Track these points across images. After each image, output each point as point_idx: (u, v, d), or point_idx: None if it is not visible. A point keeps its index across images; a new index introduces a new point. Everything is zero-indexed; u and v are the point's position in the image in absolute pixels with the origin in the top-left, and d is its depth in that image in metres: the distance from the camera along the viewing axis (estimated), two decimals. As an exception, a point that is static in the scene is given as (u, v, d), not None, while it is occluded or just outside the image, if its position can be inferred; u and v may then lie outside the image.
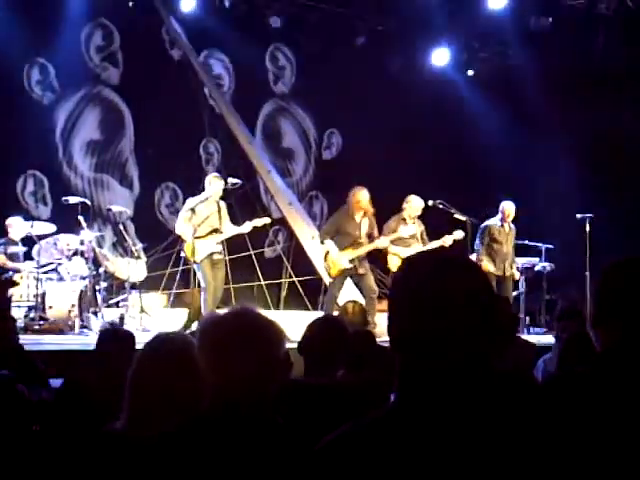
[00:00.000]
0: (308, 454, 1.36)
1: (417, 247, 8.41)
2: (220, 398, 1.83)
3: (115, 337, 4.03)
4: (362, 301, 7.60)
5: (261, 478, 1.76)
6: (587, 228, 9.14)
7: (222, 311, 1.96)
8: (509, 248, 9.04)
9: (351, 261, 8.12)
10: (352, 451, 1.27)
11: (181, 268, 9.42)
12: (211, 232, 8.02)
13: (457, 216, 8.80)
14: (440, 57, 12.14)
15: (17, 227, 8.72)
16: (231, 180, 8.19)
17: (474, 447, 1.24)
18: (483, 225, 9.08)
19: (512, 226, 9.14)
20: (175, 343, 2.31)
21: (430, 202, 8.77)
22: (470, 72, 12.39)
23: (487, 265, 8.76)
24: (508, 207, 9.02)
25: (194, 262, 7.88)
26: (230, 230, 8.14)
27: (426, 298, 1.32)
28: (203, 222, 7.96)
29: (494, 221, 9.08)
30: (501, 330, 1.38)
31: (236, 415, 1.81)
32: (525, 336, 7.64)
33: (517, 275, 9.19)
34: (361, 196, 8.17)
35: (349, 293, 8.52)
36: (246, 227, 8.21)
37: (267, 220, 8.45)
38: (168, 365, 2.23)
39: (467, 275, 1.36)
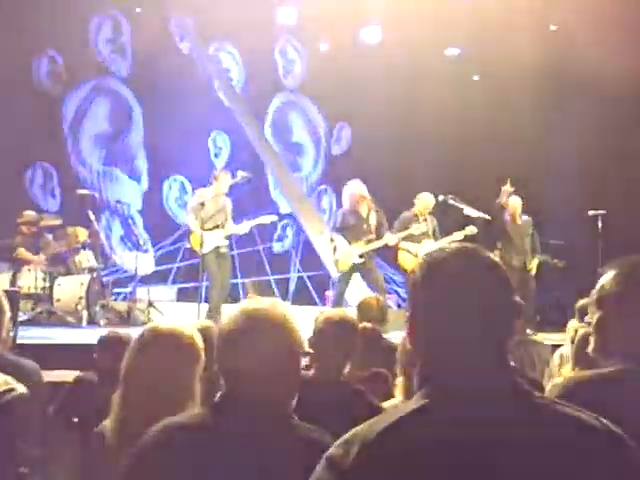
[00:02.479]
0: (321, 451, 1.32)
1: (428, 243, 8.36)
2: (235, 394, 1.81)
3: (113, 343, 3.99)
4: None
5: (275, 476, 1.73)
6: (599, 225, 9.08)
7: (252, 304, 1.93)
8: (520, 242, 9.00)
9: (361, 256, 8.07)
10: (372, 447, 1.24)
11: (189, 262, 9.38)
12: (217, 227, 7.99)
13: (468, 212, 8.73)
14: (450, 51, 12.08)
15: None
16: (240, 173, 8.14)
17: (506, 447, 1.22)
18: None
19: (525, 219, 9.08)
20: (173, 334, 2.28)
21: (440, 197, 8.70)
22: (476, 77, 12.31)
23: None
24: (512, 203, 8.98)
25: (201, 255, 7.85)
26: (231, 228, 8.10)
27: (452, 298, 1.31)
28: (210, 217, 7.93)
29: (506, 215, 9.02)
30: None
31: (247, 409, 1.79)
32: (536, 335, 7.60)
33: (534, 270, 9.13)
34: (354, 188, 8.14)
35: (357, 288, 8.48)
36: (245, 227, 8.18)
37: (265, 220, 8.35)
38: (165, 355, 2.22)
39: (493, 273, 1.35)
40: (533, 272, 9.08)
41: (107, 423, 2.34)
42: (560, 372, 4.06)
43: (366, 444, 1.23)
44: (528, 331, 7.80)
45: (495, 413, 1.24)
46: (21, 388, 2.41)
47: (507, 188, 8.93)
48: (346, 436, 1.28)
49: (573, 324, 4.75)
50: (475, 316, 1.30)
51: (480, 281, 1.33)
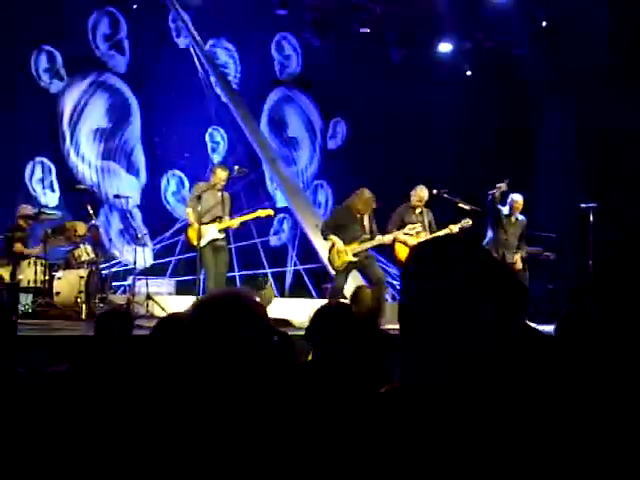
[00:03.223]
0: (318, 434, 1.36)
1: (425, 236, 8.48)
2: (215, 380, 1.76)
3: (114, 317, 4.11)
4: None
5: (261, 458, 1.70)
6: (590, 218, 9.19)
7: (213, 294, 1.93)
8: (512, 239, 9.06)
9: (355, 254, 8.18)
10: (369, 433, 1.27)
11: (187, 255, 9.48)
12: (214, 220, 8.10)
13: (461, 205, 8.84)
14: (445, 46, 12.16)
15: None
16: (237, 168, 8.25)
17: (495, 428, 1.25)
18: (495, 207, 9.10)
19: (520, 218, 9.15)
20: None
21: (434, 191, 8.80)
22: (468, 73, 12.39)
23: None
24: (517, 199, 9.05)
25: (199, 248, 7.96)
26: (225, 221, 8.19)
27: (444, 284, 1.31)
28: (208, 211, 8.04)
29: (504, 210, 9.10)
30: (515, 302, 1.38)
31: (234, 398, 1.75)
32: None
33: (519, 265, 9.17)
34: (370, 201, 8.20)
35: (355, 282, 8.59)
36: (235, 222, 8.28)
37: (262, 214, 8.44)
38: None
39: (482, 259, 1.36)
40: (519, 266, 9.07)
41: None
42: None
43: (359, 429, 1.29)
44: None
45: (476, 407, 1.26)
46: None
47: (503, 185, 8.98)
48: (341, 417, 1.35)
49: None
50: (465, 302, 1.29)
51: (471, 268, 1.32)
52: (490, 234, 9.07)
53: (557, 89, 11.52)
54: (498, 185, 8.93)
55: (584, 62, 10.63)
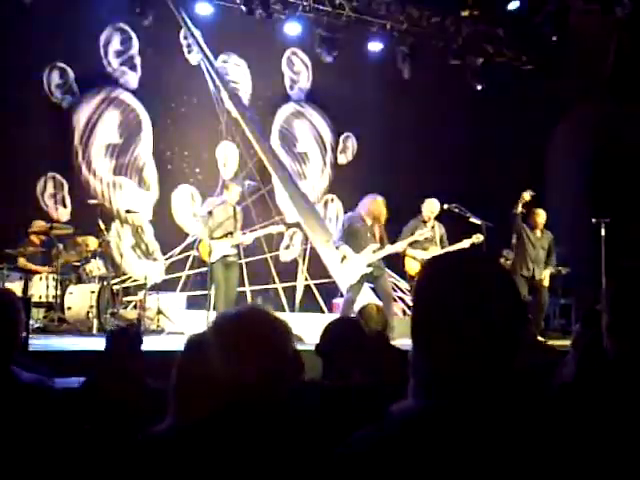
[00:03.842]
0: (327, 455, 1.34)
1: (435, 250, 8.46)
2: (233, 398, 1.82)
3: (123, 336, 4.12)
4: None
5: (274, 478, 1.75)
6: (602, 232, 9.13)
7: (232, 311, 1.96)
8: (541, 253, 9.04)
9: (369, 265, 8.16)
10: (381, 452, 1.25)
11: (198, 270, 9.49)
12: (225, 235, 8.11)
13: (473, 220, 8.83)
14: (454, 59, 12.17)
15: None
16: (248, 182, 8.28)
17: (505, 452, 1.23)
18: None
19: (545, 232, 9.14)
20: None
21: (445, 206, 8.80)
22: (479, 87, 12.38)
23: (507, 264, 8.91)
24: (539, 213, 9.04)
25: (210, 263, 7.97)
26: (237, 238, 8.19)
27: (458, 299, 1.30)
28: (219, 226, 8.05)
29: (525, 225, 9.12)
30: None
31: (248, 414, 1.80)
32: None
33: (547, 282, 9.11)
34: (383, 206, 8.21)
35: (366, 297, 8.57)
36: (250, 238, 8.30)
37: (273, 230, 8.46)
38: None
39: (497, 275, 1.34)
40: (546, 283, 9.07)
41: None
42: None
43: (374, 444, 1.26)
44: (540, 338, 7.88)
45: (488, 418, 1.25)
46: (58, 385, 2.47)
47: (526, 195, 8.91)
48: (356, 434, 1.31)
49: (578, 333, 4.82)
50: (479, 318, 1.28)
51: (485, 284, 1.31)
52: (517, 250, 9.06)
53: (569, 103, 11.51)
54: (522, 196, 8.89)
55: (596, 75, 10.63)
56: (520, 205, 8.87)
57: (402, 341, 7.42)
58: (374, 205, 8.20)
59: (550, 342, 7.88)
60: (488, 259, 1.39)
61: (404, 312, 10.38)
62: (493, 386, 1.28)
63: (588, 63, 10.89)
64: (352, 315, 7.06)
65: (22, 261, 8.66)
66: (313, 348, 3.45)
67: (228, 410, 1.83)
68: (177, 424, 2.07)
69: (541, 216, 9.04)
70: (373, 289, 8.67)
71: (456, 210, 8.84)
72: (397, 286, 10.62)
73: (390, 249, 8.29)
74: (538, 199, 9.20)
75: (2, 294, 2.57)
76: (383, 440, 1.27)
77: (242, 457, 1.75)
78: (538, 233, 9.08)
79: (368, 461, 1.25)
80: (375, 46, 11.82)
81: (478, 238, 8.56)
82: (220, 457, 1.75)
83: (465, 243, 8.48)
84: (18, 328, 2.45)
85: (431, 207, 8.70)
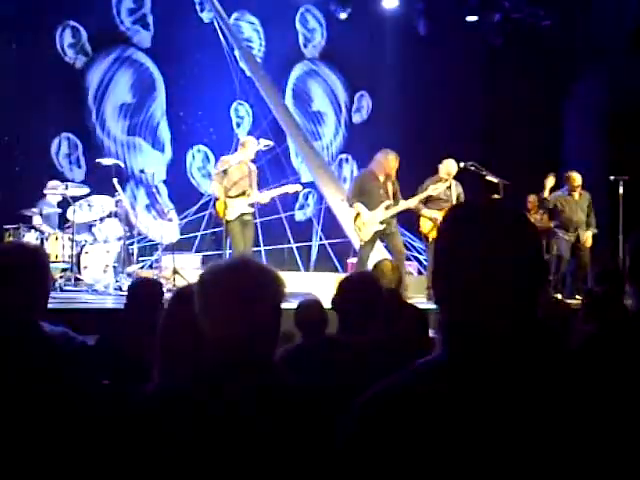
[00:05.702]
0: (344, 410, 1.32)
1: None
2: (218, 354, 1.76)
3: (145, 285, 4.15)
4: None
5: (275, 439, 1.68)
6: (620, 190, 9.06)
7: (221, 263, 1.86)
8: (581, 215, 9.17)
9: (382, 222, 8.14)
10: (400, 402, 1.24)
11: (213, 230, 9.48)
12: (241, 194, 8.08)
13: (489, 178, 8.74)
14: (470, 15, 11.98)
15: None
16: (263, 142, 8.22)
17: (526, 404, 1.21)
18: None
19: (584, 194, 9.24)
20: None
21: (461, 164, 8.70)
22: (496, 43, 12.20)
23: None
24: (575, 177, 9.16)
25: (225, 222, 7.95)
26: (254, 196, 8.17)
27: (480, 251, 1.26)
28: (234, 184, 8.02)
29: (560, 192, 9.31)
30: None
31: (235, 373, 1.74)
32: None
33: (589, 243, 9.19)
34: (394, 161, 8.19)
35: (379, 254, 8.56)
36: (266, 196, 8.27)
37: (290, 189, 8.43)
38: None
39: (516, 228, 1.31)
40: (588, 244, 9.19)
41: None
42: None
43: (391, 399, 1.25)
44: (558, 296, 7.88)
45: (510, 370, 1.23)
46: (81, 339, 2.50)
47: (549, 181, 9.43)
48: (372, 390, 1.29)
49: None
50: (498, 270, 1.25)
51: (507, 233, 1.28)
52: (558, 217, 9.24)
53: (588, 58, 11.31)
54: (546, 181, 9.35)
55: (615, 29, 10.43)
56: (547, 190, 9.41)
57: (416, 300, 7.45)
58: (385, 161, 8.16)
59: (568, 301, 7.85)
60: (509, 211, 1.33)
61: (419, 272, 10.37)
62: (512, 339, 1.25)
63: (605, 17, 10.67)
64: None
65: (37, 220, 8.68)
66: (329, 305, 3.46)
67: (213, 369, 1.76)
68: (161, 384, 1.99)
69: (577, 179, 9.15)
70: (386, 247, 8.65)
71: (472, 168, 8.75)
72: (412, 246, 10.60)
73: (403, 205, 8.25)
74: (557, 158, 9.20)
75: (36, 250, 2.56)
76: (402, 390, 1.26)
77: (228, 421, 1.67)
78: (576, 196, 9.22)
79: (388, 411, 1.24)
80: (390, 3, 11.62)
81: (495, 197, 8.49)
82: (203, 423, 1.67)
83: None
84: (48, 284, 2.47)
85: (448, 168, 8.60)
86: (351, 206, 8.29)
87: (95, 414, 2.30)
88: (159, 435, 1.70)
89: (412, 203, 8.34)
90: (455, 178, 8.69)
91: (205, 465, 1.66)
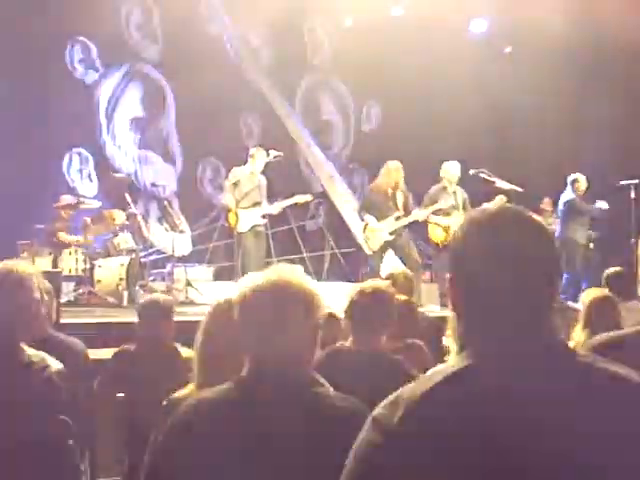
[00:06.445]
0: (357, 421, 1.33)
1: (458, 216, 8.40)
2: (261, 366, 1.80)
3: (156, 304, 4.17)
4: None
5: (307, 446, 1.71)
6: (632, 195, 9.03)
7: (260, 278, 1.88)
8: (587, 219, 9.33)
9: (391, 233, 8.15)
10: (420, 412, 1.24)
11: (225, 242, 9.52)
12: (253, 205, 8.11)
13: (500, 185, 8.72)
14: (479, 25, 12.00)
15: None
16: (272, 152, 8.25)
17: (545, 413, 1.20)
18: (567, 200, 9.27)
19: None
20: None
21: (471, 171, 8.69)
22: (508, 49, 12.21)
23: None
24: (582, 180, 9.18)
25: (237, 233, 7.98)
26: (264, 208, 8.20)
27: (495, 254, 1.28)
28: (245, 196, 8.05)
29: (569, 194, 9.26)
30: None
31: (270, 383, 1.78)
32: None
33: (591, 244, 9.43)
34: (396, 171, 8.19)
35: (391, 264, 8.55)
36: (276, 208, 8.29)
37: (300, 200, 8.46)
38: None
39: (536, 231, 1.32)
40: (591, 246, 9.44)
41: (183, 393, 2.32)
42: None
43: (410, 405, 1.24)
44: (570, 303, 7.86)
45: (534, 377, 1.23)
46: (56, 365, 2.48)
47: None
48: (391, 397, 1.29)
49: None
50: (515, 274, 1.26)
51: (522, 237, 1.29)
52: (570, 221, 9.23)
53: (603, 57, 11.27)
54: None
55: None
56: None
57: (429, 307, 7.45)
58: (387, 172, 8.19)
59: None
60: (523, 212, 1.35)
61: (431, 279, 10.34)
62: (526, 345, 1.26)
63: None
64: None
65: (62, 235, 8.70)
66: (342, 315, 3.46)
67: (249, 379, 1.80)
68: (198, 390, 2.06)
69: (585, 183, 9.21)
70: (399, 257, 8.64)
71: (483, 175, 8.73)
72: (425, 254, 10.58)
73: (413, 216, 8.26)
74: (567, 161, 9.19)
75: (11, 271, 2.50)
76: (420, 399, 1.25)
77: (262, 428, 1.71)
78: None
79: (406, 419, 1.23)
80: (398, 11, 11.66)
81: (502, 200, 8.48)
82: (238, 429, 1.72)
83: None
84: (33, 305, 2.47)
85: (448, 174, 8.59)
86: (361, 220, 8.36)
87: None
88: (202, 445, 1.74)
89: (422, 216, 8.34)
90: (465, 186, 8.68)
91: None
